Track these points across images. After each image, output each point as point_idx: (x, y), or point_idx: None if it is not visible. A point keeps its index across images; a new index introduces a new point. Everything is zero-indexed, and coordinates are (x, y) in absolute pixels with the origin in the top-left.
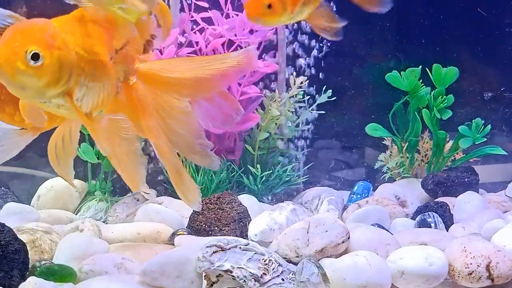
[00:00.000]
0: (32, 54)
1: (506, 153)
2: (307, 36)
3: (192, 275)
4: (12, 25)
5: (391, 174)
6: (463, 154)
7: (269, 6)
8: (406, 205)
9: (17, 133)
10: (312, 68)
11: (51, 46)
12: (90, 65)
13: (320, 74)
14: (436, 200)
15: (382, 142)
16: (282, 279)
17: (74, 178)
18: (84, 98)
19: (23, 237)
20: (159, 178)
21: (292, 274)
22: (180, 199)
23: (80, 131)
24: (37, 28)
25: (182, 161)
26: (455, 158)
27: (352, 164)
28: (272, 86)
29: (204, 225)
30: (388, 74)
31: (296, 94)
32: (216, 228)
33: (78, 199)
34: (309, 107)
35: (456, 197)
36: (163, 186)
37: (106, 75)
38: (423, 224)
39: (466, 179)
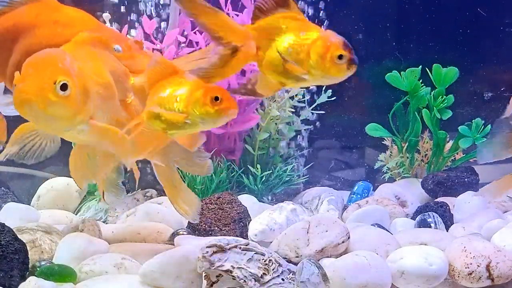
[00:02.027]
0: (61, 84)
1: None
2: None
3: (192, 275)
4: (29, 59)
5: (391, 174)
6: (463, 154)
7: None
8: (406, 205)
9: None
10: None
11: (73, 74)
12: (101, 87)
13: None
14: (436, 200)
15: (382, 142)
16: (282, 279)
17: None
18: (101, 120)
19: (23, 237)
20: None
21: (292, 274)
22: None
23: None
24: (58, 58)
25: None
26: (455, 158)
27: (352, 164)
28: None
29: (204, 225)
30: (388, 74)
31: (296, 94)
32: (216, 228)
33: (78, 199)
34: (309, 107)
35: (456, 197)
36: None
37: (113, 94)
38: (423, 224)
39: (466, 179)
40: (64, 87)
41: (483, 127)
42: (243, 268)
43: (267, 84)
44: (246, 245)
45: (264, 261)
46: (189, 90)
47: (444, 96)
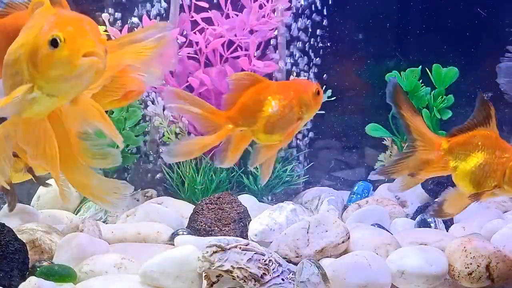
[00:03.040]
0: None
1: None
2: (307, 37)
3: (192, 275)
4: (75, 16)
5: None
6: None
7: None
8: (406, 205)
9: None
10: (312, 68)
11: None
12: None
13: (320, 74)
14: (436, 200)
15: (382, 142)
16: (282, 279)
17: None
18: None
19: (23, 237)
20: (158, 178)
21: (292, 274)
22: (180, 199)
23: None
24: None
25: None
26: None
27: (352, 164)
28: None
29: (204, 225)
30: (388, 74)
31: None
32: (216, 228)
33: (78, 199)
34: None
35: None
36: (163, 186)
37: None
38: (423, 224)
39: None
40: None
41: None
42: (243, 268)
43: (457, 200)
44: (246, 245)
45: (264, 261)
46: (296, 94)
47: (444, 96)
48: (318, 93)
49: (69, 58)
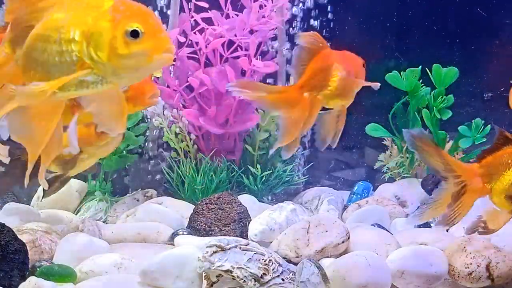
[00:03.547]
0: None
1: None
2: None
3: (192, 275)
4: (145, 7)
5: (391, 174)
6: (463, 154)
7: None
8: (406, 205)
9: None
10: None
11: None
12: None
13: None
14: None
15: (382, 142)
16: (282, 279)
17: (74, 179)
18: None
19: (23, 237)
20: (158, 178)
21: (292, 274)
22: (180, 199)
23: None
24: None
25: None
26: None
27: (352, 164)
28: None
29: (204, 225)
30: (388, 74)
31: None
32: (216, 228)
33: (78, 199)
34: None
35: None
36: (163, 186)
37: None
38: (423, 224)
39: None
40: None
41: (483, 127)
42: (243, 268)
43: (497, 217)
44: (246, 245)
45: (264, 261)
46: (351, 63)
47: (444, 96)
48: (364, 66)
49: (150, 51)
